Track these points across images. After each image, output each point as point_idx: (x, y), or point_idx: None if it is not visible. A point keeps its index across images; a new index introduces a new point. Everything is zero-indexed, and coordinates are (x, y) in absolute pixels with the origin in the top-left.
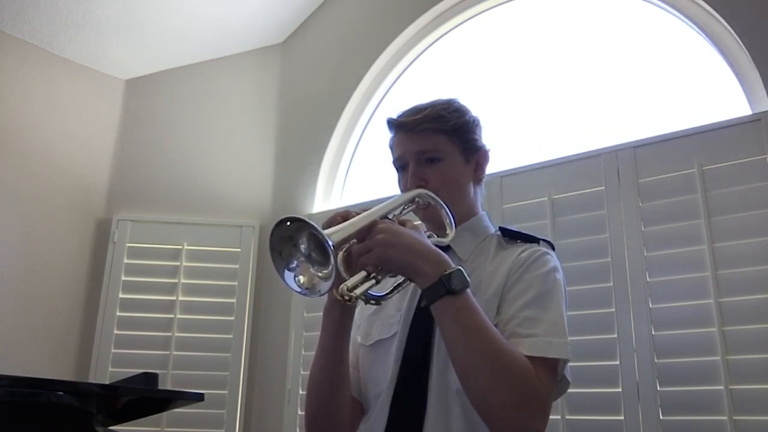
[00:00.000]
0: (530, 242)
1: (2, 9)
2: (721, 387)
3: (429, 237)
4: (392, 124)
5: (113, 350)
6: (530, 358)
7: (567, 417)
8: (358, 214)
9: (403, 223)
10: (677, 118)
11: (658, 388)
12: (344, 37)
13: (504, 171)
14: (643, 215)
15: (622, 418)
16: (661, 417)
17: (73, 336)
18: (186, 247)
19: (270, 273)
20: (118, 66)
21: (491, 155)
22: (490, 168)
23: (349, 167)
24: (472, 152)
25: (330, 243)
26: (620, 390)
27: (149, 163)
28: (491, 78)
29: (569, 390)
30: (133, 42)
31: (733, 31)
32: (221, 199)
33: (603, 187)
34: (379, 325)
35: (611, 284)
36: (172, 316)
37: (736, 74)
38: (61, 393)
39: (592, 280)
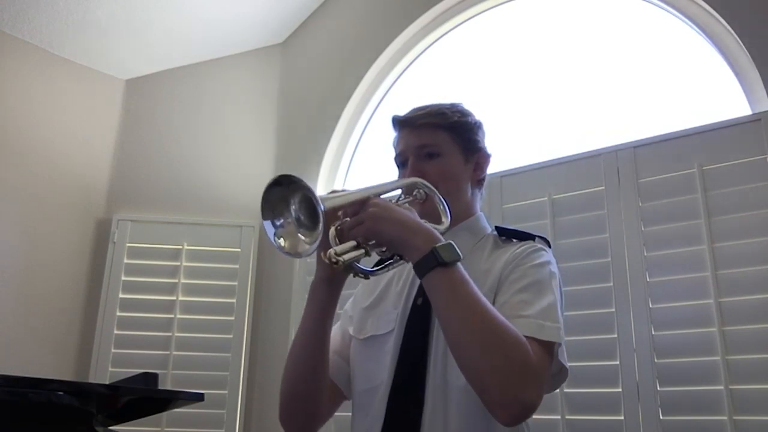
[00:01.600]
0: (526, 239)
1: (2, 9)
2: (721, 387)
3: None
4: (396, 120)
5: (113, 350)
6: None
7: (567, 417)
8: None
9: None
10: (677, 118)
11: (658, 388)
12: (344, 37)
13: (504, 171)
14: (643, 215)
15: (622, 418)
16: (661, 417)
17: (73, 336)
18: (186, 247)
19: (270, 273)
20: (118, 66)
21: (492, 159)
22: (490, 168)
23: (349, 167)
24: (472, 152)
25: (322, 206)
26: (620, 390)
27: (149, 163)
28: (491, 78)
29: (569, 390)
30: (133, 42)
31: (733, 31)
32: (221, 199)
33: (603, 187)
34: (374, 321)
35: (611, 284)
36: (172, 316)
37: (736, 74)
38: (61, 393)
39: (592, 280)
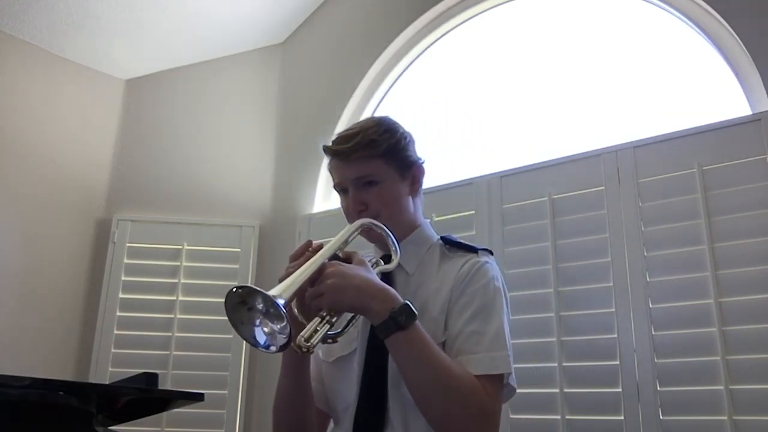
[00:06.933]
0: (470, 252)
1: (2, 9)
2: (721, 387)
3: (375, 266)
4: (328, 151)
5: (113, 350)
6: (477, 375)
7: (567, 417)
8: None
9: (350, 258)
10: (677, 118)
11: (658, 388)
12: (344, 37)
13: (504, 171)
14: (643, 215)
15: (622, 418)
16: (661, 417)
17: (73, 336)
18: (186, 247)
19: (270, 273)
20: (118, 66)
21: (425, 167)
22: (491, 168)
23: None
24: (407, 169)
25: (280, 303)
26: (620, 390)
27: (149, 163)
28: (491, 78)
29: (569, 390)
30: (133, 42)
31: (733, 31)
32: (221, 199)
33: (603, 187)
34: (340, 342)
35: (611, 284)
36: (172, 316)
37: (736, 74)
38: (61, 393)
39: (592, 280)
